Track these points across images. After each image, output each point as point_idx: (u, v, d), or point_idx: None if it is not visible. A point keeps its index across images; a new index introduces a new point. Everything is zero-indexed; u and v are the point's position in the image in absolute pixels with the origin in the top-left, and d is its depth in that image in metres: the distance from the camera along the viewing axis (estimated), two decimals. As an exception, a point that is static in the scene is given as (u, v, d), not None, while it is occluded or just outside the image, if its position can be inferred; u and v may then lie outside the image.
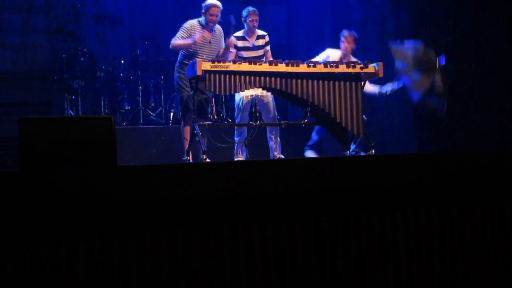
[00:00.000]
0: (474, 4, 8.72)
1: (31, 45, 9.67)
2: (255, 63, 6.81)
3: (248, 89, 7.02)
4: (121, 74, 9.31)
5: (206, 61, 6.65)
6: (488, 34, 8.40)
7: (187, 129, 7.23)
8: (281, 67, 6.85)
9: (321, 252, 3.76)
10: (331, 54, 7.90)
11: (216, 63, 6.63)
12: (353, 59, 7.83)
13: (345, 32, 7.94)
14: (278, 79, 6.83)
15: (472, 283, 4.19)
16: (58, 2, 9.93)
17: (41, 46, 9.74)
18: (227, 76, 6.67)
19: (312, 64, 6.97)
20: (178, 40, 7.23)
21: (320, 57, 7.85)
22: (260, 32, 7.72)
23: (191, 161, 7.07)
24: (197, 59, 6.83)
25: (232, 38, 7.61)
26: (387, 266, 3.95)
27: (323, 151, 8.06)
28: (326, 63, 7.05)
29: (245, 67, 6.73)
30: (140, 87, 9.21)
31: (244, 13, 7.62)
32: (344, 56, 7.90)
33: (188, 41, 7.16)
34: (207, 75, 6.60)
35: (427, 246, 4.08)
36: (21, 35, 9.65)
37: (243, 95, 7.50)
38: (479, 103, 8.58)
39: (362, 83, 7.14)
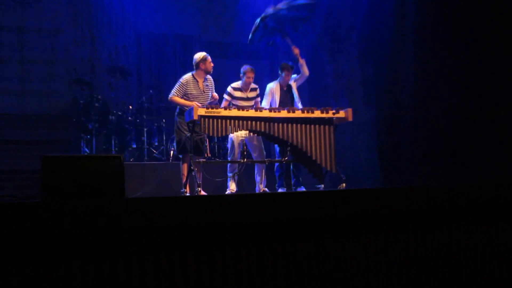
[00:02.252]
0: (430, 58, 8.82)
1: (53, 92, 9.73)
2: (243, 109, 6.86)
3: (237, 131, 7.06)
4: (129, 118, 9.32)
5: (201, 108, 6.71)
6: (452, 82, 8.47)
7: (185, 165, 7.24)
8: (265, 113, 6.89)
9: (300, 273, 3.75)
10: (272, 86, 7.97)
11: (210, 109, 6.68)
12: (292, 82, 7.97)
13: (281, 64, 8.03)
14: (262, 123, 6.87)
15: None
16: (77, 56, 10.01)
17: (62, 93, 9.78)
18: (219, 120, 6.70)
19: (291, 110, 7.02)
20: (176, 96, 7.26)
21: (267, 95, 7.93)
22: (253, 85, 7.79)
23: (188, 193, 7.06)
24: (194, 104, 6.88)
25: (230, 88, 7.69)
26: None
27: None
28: (303, 110, 7.10)
29: (234, 112, 6.78)
30: (145, 129, 9.21)
31: (243, 70, 7.70)
32: (284, 83, 7.95)
33: (187, 104, 7.17)
34: (202, 119, 6.64)
35: (386, 269, 4.07)
36: (45, 84, 9.71)
37: (235, 137, 7.55)
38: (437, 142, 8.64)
39: (333, 126, 7.19)
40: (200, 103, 7.16)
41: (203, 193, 6.86)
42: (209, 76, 7.47)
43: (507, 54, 7.35)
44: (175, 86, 7.33)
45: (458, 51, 8.26)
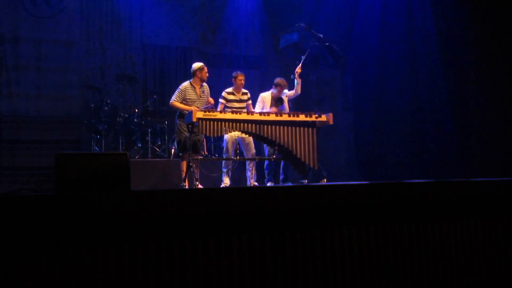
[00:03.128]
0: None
1: (67, 96, 9.70)
2: (236, 113, 6.83)
3: (231, 132, 7.04)
4: (135, 120, 9.27)
5: (199, 111, 6.70)
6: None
7: (184, 162, 7.22)
8: (256, 116, 6.87)
9: (286, 258, 3.73)
10: (264, 95, 7.93)
11: (207, 113, 6.67)
12: (284, 96, 7.90)
13: (277, 80, 7.96)
14: (253, 125, 6.84)
15: None
16: (89, 64, 9.98)
17: (75, 98, 9.75)
18: (215, 122, 6.68)
19: (279, 114, 7.01)
20: (176, 101, 7.23)
21: (259, 103, 7.89)
22: (244, 90, 7.78)
23: (186, 187, 7.04)
24: (193, 109, 6.85)
25: (224, 92, 7.67)
26: (335, 271, 3.92)
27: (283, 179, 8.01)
28: (289, 113, 7.09)
29: (228, 115, 6.76)
30: (149, 130, 9.17)
31: (234, 74, 7.73)
32: (275, 96, 7.91)
33: (186, 108, 7.14)
34: (200, 121, 6.61)
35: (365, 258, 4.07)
36: (60, 89, 9.68)
37: (229, 137, 7.54)
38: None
39: (316, 128, 7.17)
40: (197, 107, 7.15)
41: (200, 186, 6.85)
42: (205, 83, 7.46)
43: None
44: (175, 93, 7.31)
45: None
